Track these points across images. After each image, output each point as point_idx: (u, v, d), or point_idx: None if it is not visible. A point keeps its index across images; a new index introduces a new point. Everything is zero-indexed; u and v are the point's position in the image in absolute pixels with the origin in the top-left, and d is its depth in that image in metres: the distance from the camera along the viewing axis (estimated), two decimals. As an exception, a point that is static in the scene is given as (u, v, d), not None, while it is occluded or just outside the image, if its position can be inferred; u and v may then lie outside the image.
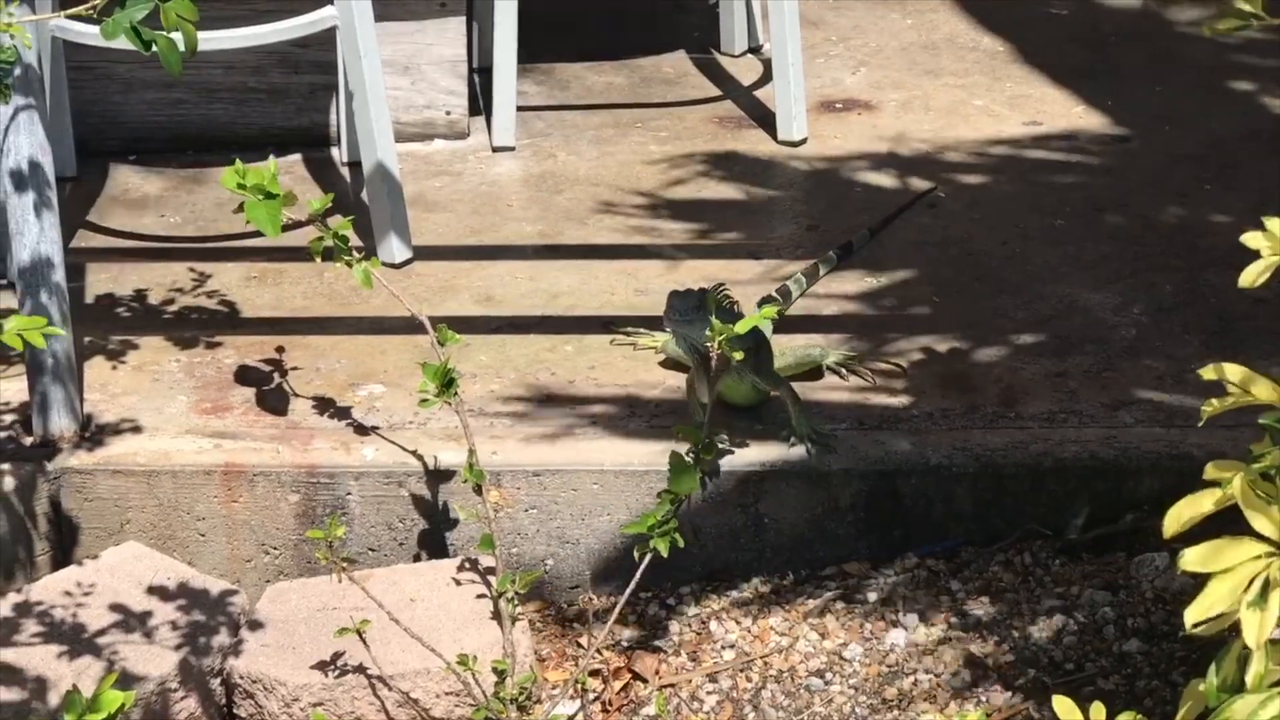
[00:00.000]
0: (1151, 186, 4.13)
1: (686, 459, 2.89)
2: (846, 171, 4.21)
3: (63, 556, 3.21)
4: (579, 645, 3.14)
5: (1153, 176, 4.18)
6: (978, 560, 3.21)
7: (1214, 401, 2.26)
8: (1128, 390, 3.41)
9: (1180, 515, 2.16)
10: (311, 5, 3.76)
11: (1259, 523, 2.06)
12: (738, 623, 3.14)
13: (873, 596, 3.15)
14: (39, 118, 3.06)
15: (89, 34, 3.68)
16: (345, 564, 2.94)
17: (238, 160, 2.96)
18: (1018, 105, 4.53)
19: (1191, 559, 2.07)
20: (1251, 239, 2.12)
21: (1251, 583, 2.03)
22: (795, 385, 3.29)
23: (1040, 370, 3.47)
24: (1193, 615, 2.05)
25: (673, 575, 3.22)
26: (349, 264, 3.06)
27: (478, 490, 3.05)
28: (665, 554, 2.91)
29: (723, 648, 3.09)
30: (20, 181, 3.10)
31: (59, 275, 3.14)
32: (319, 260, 3.06)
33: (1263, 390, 2.23)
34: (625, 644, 3.12)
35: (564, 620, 3.21)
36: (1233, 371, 2.25)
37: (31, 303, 3.12)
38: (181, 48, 2.12)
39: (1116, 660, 3.01)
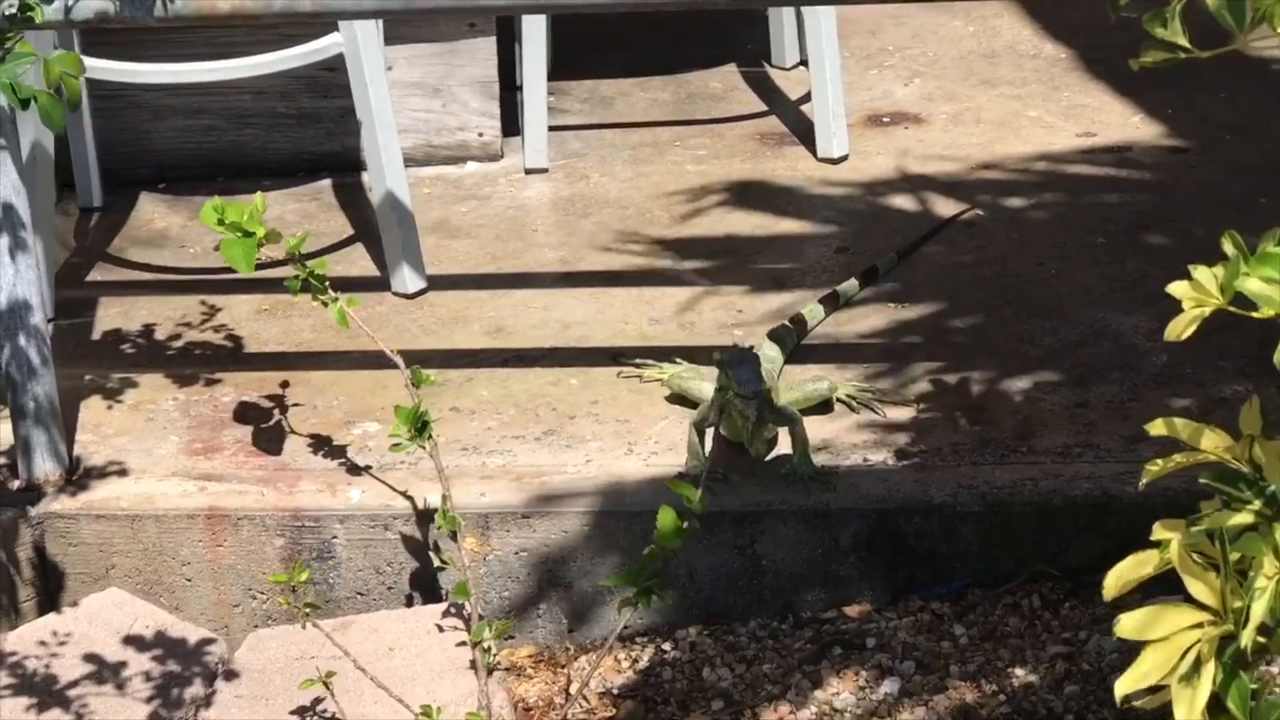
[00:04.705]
0: (1203, 201, 3.95)
1: (675, 513, 2.77)
2: (884, 190, 4.07)
3: (48, 603, 3.16)
4: (569, 694, 3.04)
5: (1206, 191, 4.00)
6: (984, 603, 3.08)
7: (1159, 462, 2.15)
8: (1151, 422, 3.24)
9: (1122, 577, 2.08)
10: (320, 31, 3.69)
11: (1196, 589, 1.96)
12: (731, 669, 3.03)
13: (871, 642, 3.03)
14: (11, 159, 3.01)
15: (110, 69, 3.64)
16: (309, 609, 2.86)
17: (220, 197, 2.96)
18: (1073, 116, 4.36)
19: (1128, 625, 1.98)
20: (1177, 289, 1.99)
21: (1185, 654, 1.93)
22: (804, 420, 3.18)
23: (1061, 400, 3.31)
24: (1123, 687, 1.96)
25: (669, 618, 3.13)
26: (324, 303, 2.99)
27: (453, 537, 2.97)
28: (649, 607, 2.81)
29: (713, 696, 2.98)
30: (-7, 225, 3.06)
31: (37, 318, 3.09)
32: (295, 297, 3.00)
33: (1209, 443, 2.11)
34: (616, 691, 3.02)
35: (556, 665, 3.12)
36: (1182, 428, 2.14)
37: (10, 346, 3.08)
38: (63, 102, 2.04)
39: (1120, 714, 2.86)
